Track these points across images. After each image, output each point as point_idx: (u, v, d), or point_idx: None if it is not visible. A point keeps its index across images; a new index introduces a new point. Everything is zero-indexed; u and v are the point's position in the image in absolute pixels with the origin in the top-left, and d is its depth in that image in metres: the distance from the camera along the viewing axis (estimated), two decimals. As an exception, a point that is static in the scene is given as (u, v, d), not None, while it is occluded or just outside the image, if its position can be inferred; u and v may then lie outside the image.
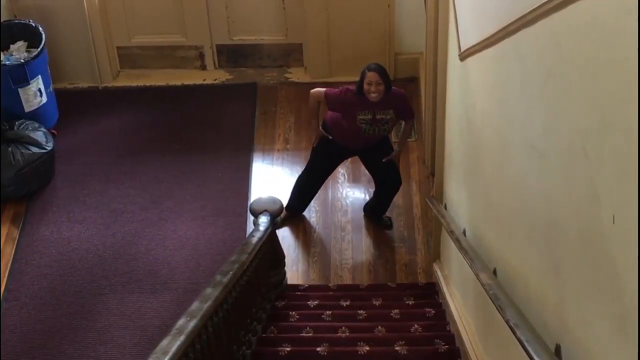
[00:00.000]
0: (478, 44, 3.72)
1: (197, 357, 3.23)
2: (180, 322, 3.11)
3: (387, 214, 6.31)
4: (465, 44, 4.19)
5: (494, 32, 3.30)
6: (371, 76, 5.43)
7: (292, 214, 6.27)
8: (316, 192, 6.29)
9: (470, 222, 4.32)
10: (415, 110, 7.07)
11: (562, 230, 2.45)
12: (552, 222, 2.56)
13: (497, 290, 3.12)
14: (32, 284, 5.79)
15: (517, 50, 2.98)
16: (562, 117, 2.36)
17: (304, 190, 6.24)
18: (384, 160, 5.86)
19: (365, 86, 5.46)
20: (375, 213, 6.30)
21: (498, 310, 2.98)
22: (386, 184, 6.11)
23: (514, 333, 2.67)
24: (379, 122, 5.61)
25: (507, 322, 2.80)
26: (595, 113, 2.05)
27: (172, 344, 2.90)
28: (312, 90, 5.79)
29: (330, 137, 5.80)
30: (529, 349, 2.47)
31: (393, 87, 5.62)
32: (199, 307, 3.30)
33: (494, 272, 3.44)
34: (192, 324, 3.11)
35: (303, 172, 6.22)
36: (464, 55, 4.24)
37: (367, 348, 4.47)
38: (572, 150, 2.26)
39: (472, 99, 4.15)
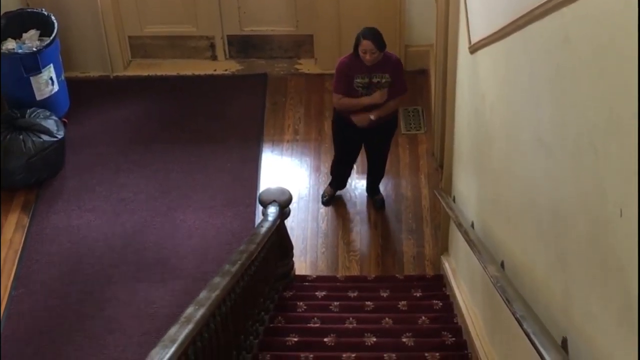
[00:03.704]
0: (488, 37, 3.72)
1: (205, 345, 3.26)
2: (189, 310, 3.13)
3: (394, 205, 6.34)
4: (475, 36, 4.19)
5: (503, 26, 3.30)
6: (366, 45, 5.46)
7: (334, 190, 6.44)
8: (350, 173, 6.39)
9: (479, 215, 4.33)
10: (424, 103, 7.12)
11: (569, 225, 2.45)
12: (559, 216, 2.57)
13: (505, 282, 3.14)
14: (41, 271, 5.82)
15: (526, 44, 2.99)
16: (570, 112, 2.37)
17: (338, 174, 6.35)
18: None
19: (360, 53, 5.51)
20: (368, 191, 6.44)
21: (505, 302, 2.99)
22: (371, 170, 6.30)
23: (521, 325, 2.68)
24: (375, 85, 5.62)
25: (513, 314, 2.81)
26: (603, 108, 2.06)
27: (180, 332, 2.93)
28: (336, 102, 5.81)
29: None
30: (536, 341, 2.48)
31: (387, 52, 5.64)
32: (207, 296, 3.32)
33: (502, 265, 3.45)
34: (200, 312, 3.13)
35: (333, 160, 6.34)
36: (473, 48, 4.24)
37: (374, 339, 4.50)
38: (579, 145, 2.27)
39: (481, 91, 4.15)
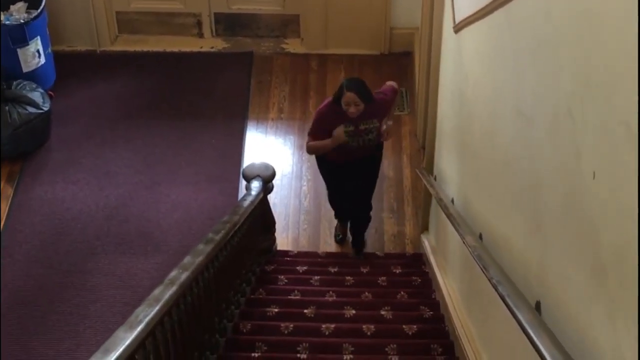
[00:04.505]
0: (472, 15, 3.77)
1: (188, 309, 3.32)
2: (173, 273, 3.20)
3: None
4: (460, 15, 4.24)
5: (487, 3, 3.36)
6: (349, 97, 4.94)
7: (344, 223, 6.04)
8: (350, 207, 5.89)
9: (459, 192, 4.40)
10: (409, 84, 7.18)
11: (545, 192, 2.52)
12: (536, 185, 2.63)
13: (482, 251, 3.21)
14: (25, 241, 5.85)
15: (509, 20, 3.04)
16: (550, 82, 2.43)
17: (339, 209, 5.92)
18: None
19: (344, 105, 4.98)
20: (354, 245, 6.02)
21: (482, 269, 3.06)
22: (357, 211, 5.86)
23: (496, 290, 2.75)
24: (362, 132, 5.15)
25: (490, 280, 2.88)
26: (581, 77, 2.12)
27: (164, 292, 2.99)
28: (306, 147, 5.40)
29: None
30: (510, 303, 2.55)
31: (375, 93, 5.17)
32: (191, 261, 3.39)
33: (480, 237, 3.52)
34: (184, 275, 3.20)
35: (328, 194, 5.87)
36: (458, 27, 4.29)
37: (354, 312, 4.57)
38: (558, 113, 2.33)
39: (465, 70, 4.22)
